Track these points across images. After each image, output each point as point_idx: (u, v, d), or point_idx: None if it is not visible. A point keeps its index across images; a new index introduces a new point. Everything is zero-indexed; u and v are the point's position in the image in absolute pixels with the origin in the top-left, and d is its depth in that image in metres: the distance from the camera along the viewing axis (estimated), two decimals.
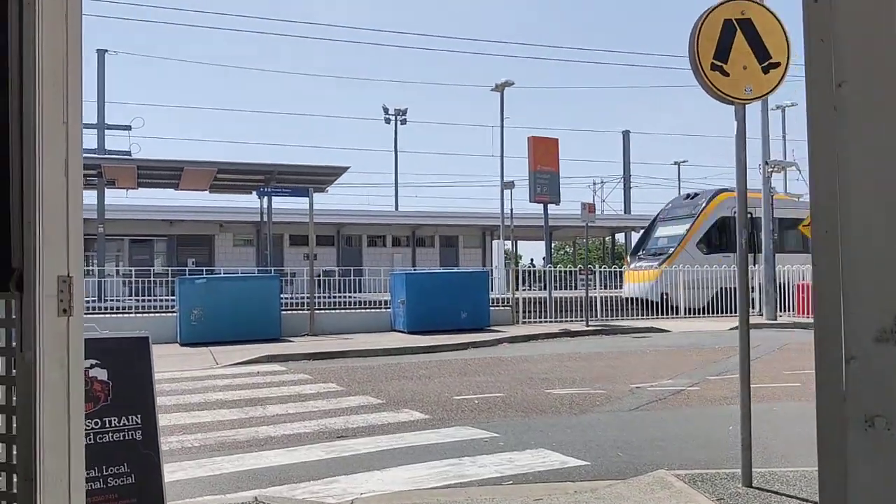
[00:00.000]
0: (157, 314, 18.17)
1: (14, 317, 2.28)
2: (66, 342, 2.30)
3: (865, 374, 1.30)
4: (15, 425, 2.31)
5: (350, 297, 20.83)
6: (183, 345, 16.29)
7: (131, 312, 18.26)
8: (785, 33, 5.02)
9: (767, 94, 5.04)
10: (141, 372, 4.22)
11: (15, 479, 2.29)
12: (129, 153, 26.55)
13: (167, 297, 18.77)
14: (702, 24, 4.97)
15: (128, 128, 29.98)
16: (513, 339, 17.50)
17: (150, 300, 18.67)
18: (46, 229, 2.24)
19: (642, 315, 23.17)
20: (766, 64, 4.99)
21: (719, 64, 4.98)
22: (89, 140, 30.55)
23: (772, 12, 5.00)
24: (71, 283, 2.31)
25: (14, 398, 2.32)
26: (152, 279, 18.65)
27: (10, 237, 2.25)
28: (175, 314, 17.11)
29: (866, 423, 1.30)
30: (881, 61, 1.25)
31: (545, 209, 22.96)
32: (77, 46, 2.35)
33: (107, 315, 17.89)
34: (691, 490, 5.13)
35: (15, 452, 2.31)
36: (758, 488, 5.23)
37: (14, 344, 2.30)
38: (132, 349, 4.23)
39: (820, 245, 1.31)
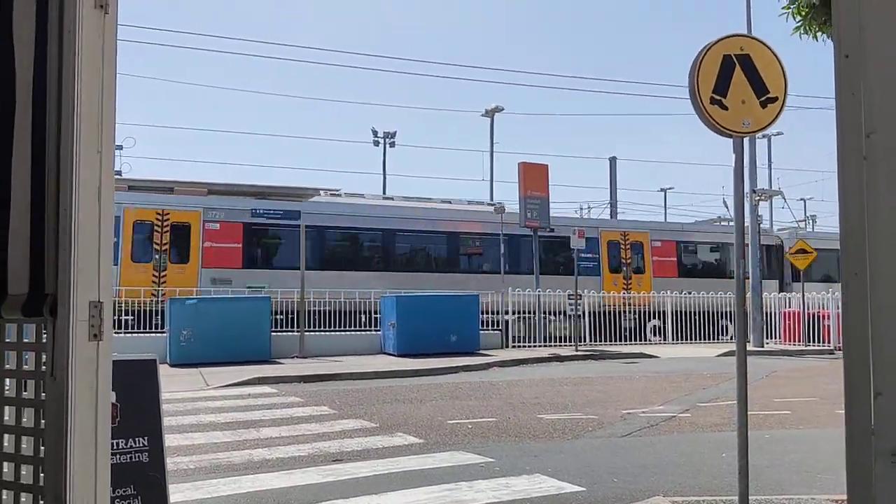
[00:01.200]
0: (146, 334, 18.07)
1: (45, 341, 2.32)
2: (96, 366, 2.34)
3: (892, 410, 1.37)
4: (43, 448, 2.34)
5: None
6: (172, 365, 16.21)
7: (120, 332, 18.13)
8: (782, 69, 5.15)
9: (766, 127, 5.17)
10: (148, 394, 4.24)
11: (42, 502, 2.32)
12: (119, 173, 26.55)
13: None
14: (702, 59, 5.10)
15: (119, 147, 30.05)
16: (503, 363, 17.54)
17: (139, 320, 18.56)
18: (80, 255, 2.29)
19: (632, 340, 23.28)
20: (763, 98, 5.12)
21: (718, 98, 5.10)
22: None
23: (770, 49, 5.14)
24: (102, 308, 2.35)
25: (42, 421, 2.36)
26: (142, 298, 18.53)
27: (45, 263, 2.30)
28: (165, 335, 17.04)
29: (893, 456, 1.37)
30: None
31: (535, 234, 23.09)
32: (112, 76, 2.41)
33: None
34: None
35: (42, 475, 2.34)
36: None
37: (44, 368, 2.34)
38: (139, 371, 4.26)
39: (849, 286, 1.38)
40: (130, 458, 4.07)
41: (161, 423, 4.25)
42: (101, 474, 2.34)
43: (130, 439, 4.10)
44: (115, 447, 4.05)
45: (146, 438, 4.15)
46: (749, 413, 5.64)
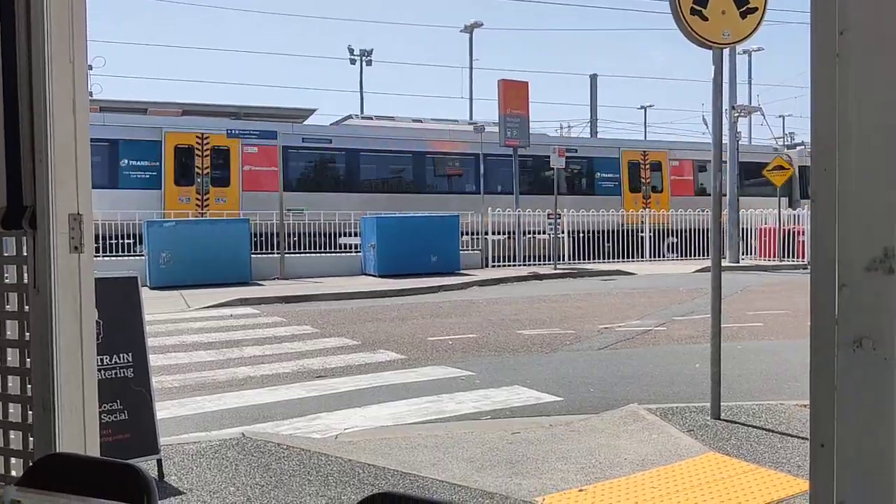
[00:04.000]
0: (125, 257, 18.01)
1: (27, 254, 2.32)
2: (78, 278, 2.36)
3: (855, 300, 1.43)
4: (29, 360, 2.38)
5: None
6: (153, 288, 16.21)
7: (98, 255, 18.04)
8: None
9: (745, 38, 5.14)
10: (131, 311, 4.28)
11: (31, 411, 2.37)
12: (90, 94, 25.93)
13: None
14: None
15: (89, 67, 29.26)
16: (483, 283, 17.71)
17: (119, 242, 18.44)
18: (57, 168, 2.28)
19: (609, 259, 23.52)
20: (743, 9, 5.07)
21: (699, 9, 5.05)
22: None
23: None
24: (81, 221, 2.36)
25: (27, 333, 2.38)
26: (119, 220, 18.36)
27: (22, 176, 2.28)
28: (143, 257, 16.98)
29: (854, 344, 1.43)
30: (881, 10, 1.35)
31: (515, 153, 23.00)
32: None
33: None
34: (662, 422, 5.37)
35: (29, 385, 2.38)
36: (725, 420, 5.49)
37: (26, 280, 2.35)
38: (121, 289, 4.28)
39: (819, 182, 1.42)
40: (115, 373, 4.14)
41: (145, 340, 4.31)
42: (87, 384, 2.39)
43: (115, 355, 4.16)
44: (99, 363, 4.10)
45: (130, 354, 4.21)
46: (723, 325, 5.79)
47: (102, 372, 4.12)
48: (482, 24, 32.40)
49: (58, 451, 2.26)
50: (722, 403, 5.66)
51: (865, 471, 1.44)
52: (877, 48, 1.36)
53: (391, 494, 1.58)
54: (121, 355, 4.16)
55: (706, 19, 5.05)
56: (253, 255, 18.17)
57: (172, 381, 7.68)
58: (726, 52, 23.79)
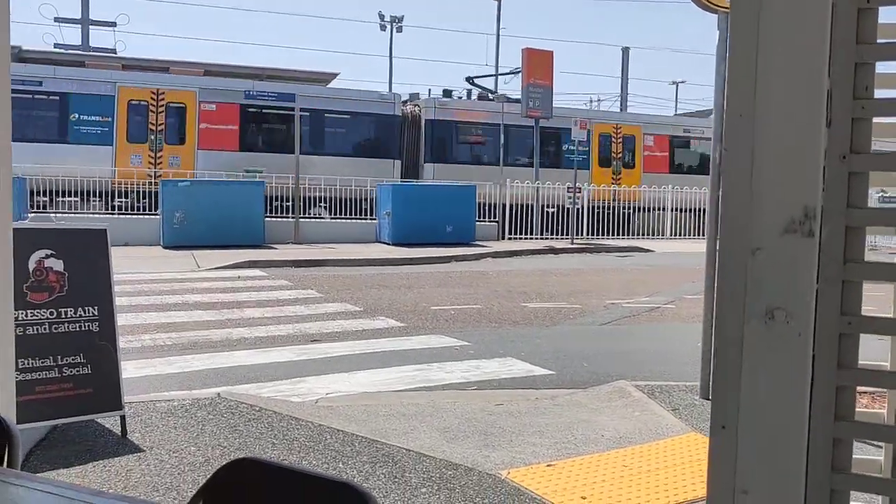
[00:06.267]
0: (140, 216, 18.06)
1: None
2: None
3: (770, 266, 1.26)
4: None
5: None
6: (166, 247, 16.27)
7: (113, 213, 18.13)
8: None
9: None
10: (98, 264, 4.18)
11: None
12: (114, 51, 25.91)
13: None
14: None
15: (112, 24, 29.20)
16: (496, 254, 17.55)
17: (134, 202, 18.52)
18: None
19: (628, 234, 23.21)
20: None
21: None
22: (73, 35, 29.80)
23: None
24: None
25: None
26: (135, 180, 18.40)
27: None
28: (158, 217, 17.02)
29: (766, 315, 1.27)
30: None
31: (536, 123, 22.67)
32: None
33: (88, 214, 17.77)
34: (648, 400, 5.21)
35: None
36: None
37: None
38: (89, 241, 4.19)
39: (732, 130, 1.24)
40: (79, 326, 4.06)
41: (112, 294, 4.22)
42: (1, 330, 2.28)
43: (80, 308, 4.07)
44: (63, 316, 4.04)
45: (96, 308, 4.12)
46: None
47: (66, 325, 4.05)
48: None
49: None
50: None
51: (772, 457, 1.28)
52: None
53: (258, 460, 1.46)
54: (86, 308, 4.08)
55: None
56: (268, 219, 18.13)
57: (166, 339, 7.64)
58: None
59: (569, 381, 6.25)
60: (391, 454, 4.10)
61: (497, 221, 21.04)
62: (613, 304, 10.61)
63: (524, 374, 6.48)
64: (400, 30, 54.87)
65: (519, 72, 23.91)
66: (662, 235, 23.69)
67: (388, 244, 18.37)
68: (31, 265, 3.94)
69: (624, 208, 23.37)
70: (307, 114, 20.65)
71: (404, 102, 23.88)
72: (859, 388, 1.30)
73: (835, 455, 1.27)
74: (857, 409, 1.28)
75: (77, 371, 4.02)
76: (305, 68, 25.25)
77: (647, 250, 19.88)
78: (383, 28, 54.72)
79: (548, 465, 3.94)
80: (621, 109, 52.96)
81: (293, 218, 18.71)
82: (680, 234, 23.84)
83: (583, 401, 5.31)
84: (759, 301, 1.27)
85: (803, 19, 1.17)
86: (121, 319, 7.59)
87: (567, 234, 21.18)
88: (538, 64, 22.49)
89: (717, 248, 1.30)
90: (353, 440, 4.33)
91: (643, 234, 23.43)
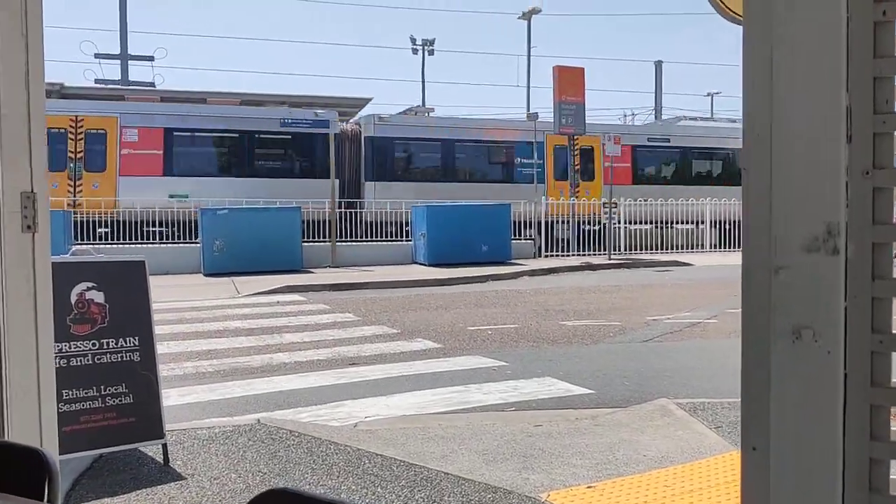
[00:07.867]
0: (181, 244, 18.36)
1: None
2: (32, 258, 2.30)
3: (794, 285, 1.24)
4: None
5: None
6: (206, 275, 16.51)
7: (155, 242, 18.47)
8: None
9: None
10: (138, 295, 4.26)
11: None
12: (153, 84, 26.54)
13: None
14: None
15: (150, 58, 29.96)
16: (533, 273, 17.49)
17: (173, 230, 18.85)
18: (6, 145, 2.22)
19: (667, 249, 22.95)
20: None
21: None
22: (113, 71, 30.58)
23: None
24: (35, 200, 2.30)
25: None
26: (175, 209, 18.75)
27: None
28: (198, 245, 17.29)
29: (793, 334, 1.25)
30: None
31: (570, 141, 22.62)
32: None
33: (128, 245, 18.13)
34: (690, 418, 5.13)
35: None
36: None
37: None
38: (128, 273, 4.27)
39: (751, 147, 1.24)
40: (121, 357, 4.13)
41: (152, 323, 4.29)
42: (43, 364, 2.33)
43: (121, 338, 4.15)
44: (105, 346, 4.11)
45: (137, 338, 4.20)
46: None
47: (108, 355, 4.13)
48: (541, 11, 31.93)
49: (8, 440, 2.21)
50: None
51: (806, 479, 1.26)
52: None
53: (288, 490, 1.47)
54: (127, 339, 4.16)
55: None
56: (305, 244, 18.32)
57: (208, 367, 7.74)
58: None
59: (609, 401, 6.18)
60: (430, 478, 4.09)
61: (532, 239, 20.99)
62: (654, 321, 10.49)
63: (563, 394, 6.43)
64: (432, 53, 55.27)
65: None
66: (702, 249, 23.39)
67: (425, 265, 18.41)
68: (73, 298, 4.04)
69: (663, 223, 23.13)
70: (236, 135, 21.13)
71: (346, 121, 23.65)
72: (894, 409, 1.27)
73: (871, 476, 1.24)
74: (893, 429, 1.25)
75: (120, 400, 4.10)
76: (338, 94, 25.51)
77: (687, 264, 19.64)
78: (415, 52, 55.20)
79: (588, 487, 3.90)
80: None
81: (330, 242, 18.88)
82: (720, 247, 23.52)
83: (624, 420, 5.25)
84: (784, 320, 1.25)
85: (817, 35, 1.17)
86: (164, 347, 7.74)
87: (604, 250, 21.04)
88: (570, 81, 22.47)
89: (741, 264, 1.29)
90: (391, 464, 4.33)
91: (682, 249, 23.15)
